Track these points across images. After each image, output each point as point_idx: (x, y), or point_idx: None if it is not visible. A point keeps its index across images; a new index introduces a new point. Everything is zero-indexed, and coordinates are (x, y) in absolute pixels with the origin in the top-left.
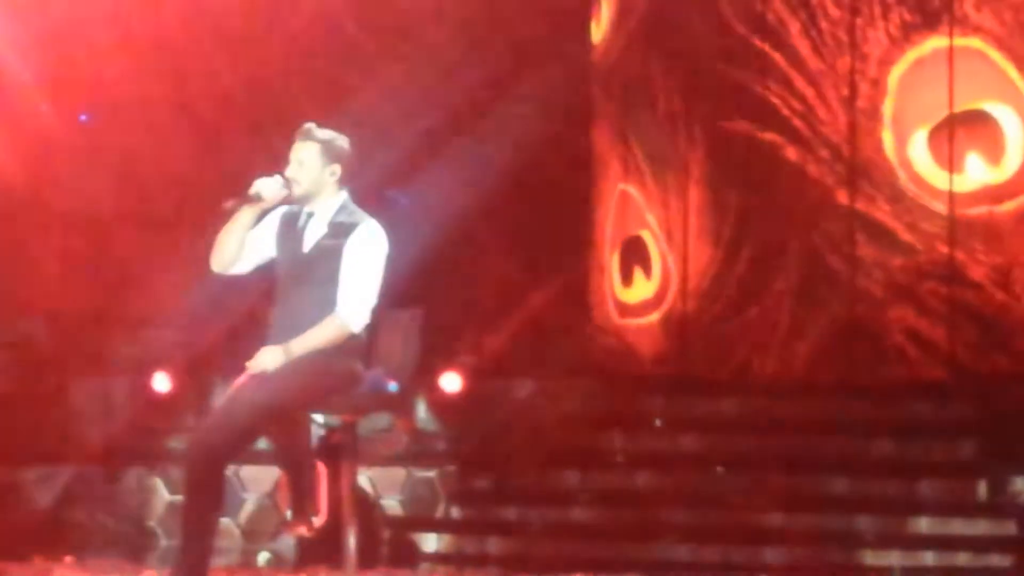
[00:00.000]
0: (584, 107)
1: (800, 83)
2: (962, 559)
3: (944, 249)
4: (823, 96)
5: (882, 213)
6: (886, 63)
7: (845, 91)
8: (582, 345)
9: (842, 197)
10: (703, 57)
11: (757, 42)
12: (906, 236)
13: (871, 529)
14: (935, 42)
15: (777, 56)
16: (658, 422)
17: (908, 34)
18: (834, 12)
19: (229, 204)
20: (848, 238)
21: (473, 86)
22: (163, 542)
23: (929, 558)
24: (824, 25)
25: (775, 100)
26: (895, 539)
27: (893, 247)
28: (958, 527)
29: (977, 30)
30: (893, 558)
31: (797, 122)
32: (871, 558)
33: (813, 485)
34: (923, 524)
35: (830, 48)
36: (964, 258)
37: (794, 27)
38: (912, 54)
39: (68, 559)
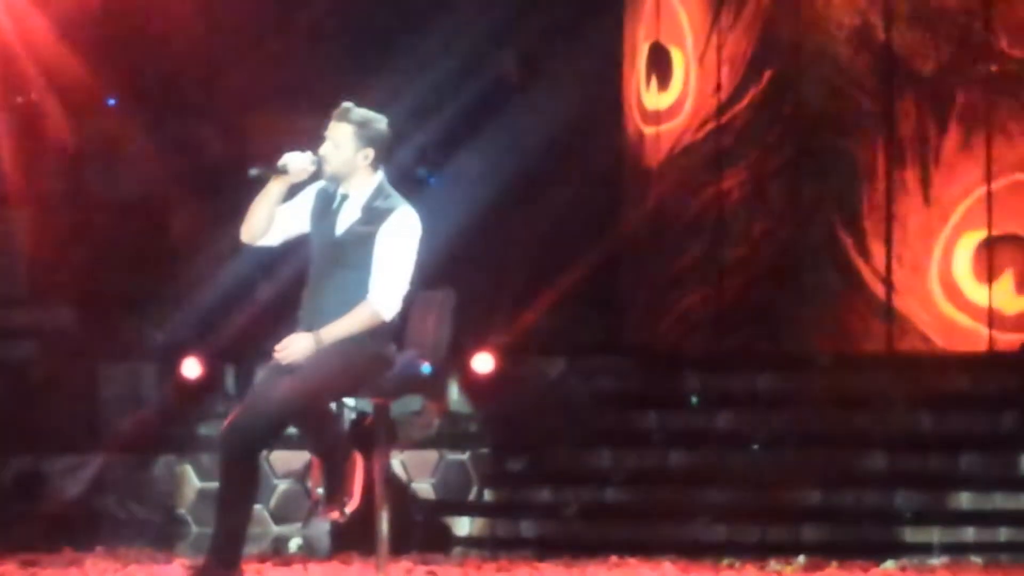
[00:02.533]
0: (617, 86)
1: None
2: (1004, 534)
3: None
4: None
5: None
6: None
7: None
8: (616, 323)
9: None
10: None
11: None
12: None
13: (910, 505)
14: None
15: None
16: (694, 400)
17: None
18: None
19: (254, 171)
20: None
21: (504, 64)
22: (194, 530)
23: (970, 534)
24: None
25: (850, 113)
26: (935, 515)
27: None
28: (999, 502)
29: (1010, 60)
30: (933, 534)
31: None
32: (911, 535)
33: (851, 461)
34: (963, 499)
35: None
36: None
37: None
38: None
39: (98, 548)
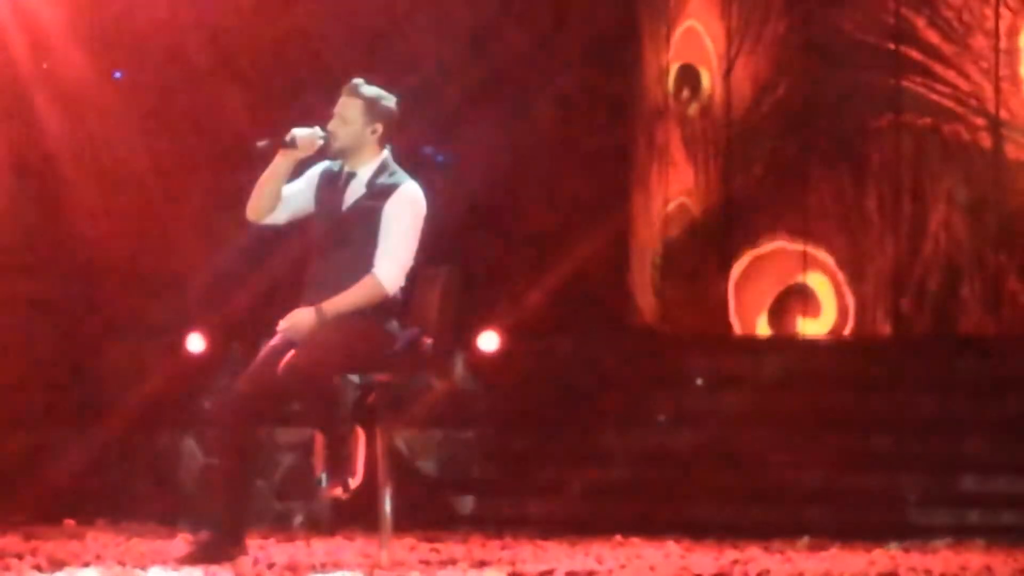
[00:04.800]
0: (627, 60)
1: (939, 68)
2: (1008, 518)
3: None
4: (965, 74)
5: None
6: (1013, 33)
7: (984, 64)
8: (622, 303)
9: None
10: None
11: (889, 44)
12: None
13: (916, 488)
14: None
15: (912, 51)
16: (699, 381)
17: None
18: (955, 1)
19: (262, 143)
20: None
21: (513, 39)
22: (197, 505)
23: (975, 516)
24: (949, 14)
25: (920, 89)
26: (940, 498)
27: None
28: (1004, 484)
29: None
30: (938, 517)
31: (947, 103)
32: (914, 517)
33: (856, 443)
34: (969, 482)
35: (959, 33)
36: None
37: (920, 22)
38: None
39: (100, 522)
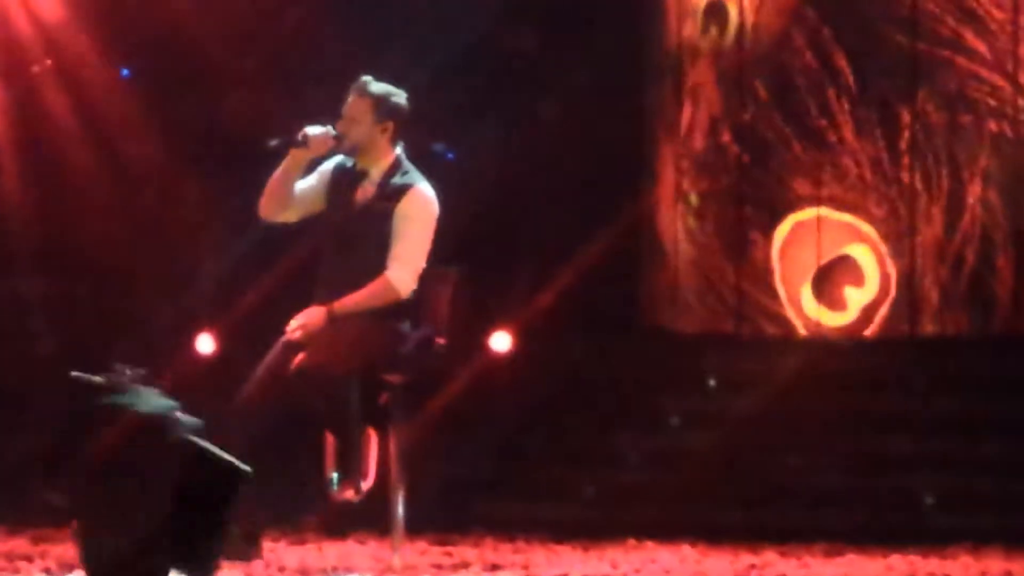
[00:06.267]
0: (641, 58)
1: (984, 72)
2: None
3: None
4: (1010, 76)
5: None
6: None
7: None
8: (636, 303)
9: None
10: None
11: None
12: None
13: (934, 491)
14: None
15: (958, 57)
16: (712, 383)
17: None
18: (998, 15)
19: (273, 143)
20: None
21: (523, 35)
22: None
23: (995, 520)
24: (993, 26)
25: (969, 92)
26: (959, 501)
27: None
28: (1022, 487)
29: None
30: (957, 520)
31: (991, 100)
32: (934, 521)
33: (873, 445)
34: (989, 485)
35: (1002, 40)
36: None
37: (967, 33)
38: None
39: None
